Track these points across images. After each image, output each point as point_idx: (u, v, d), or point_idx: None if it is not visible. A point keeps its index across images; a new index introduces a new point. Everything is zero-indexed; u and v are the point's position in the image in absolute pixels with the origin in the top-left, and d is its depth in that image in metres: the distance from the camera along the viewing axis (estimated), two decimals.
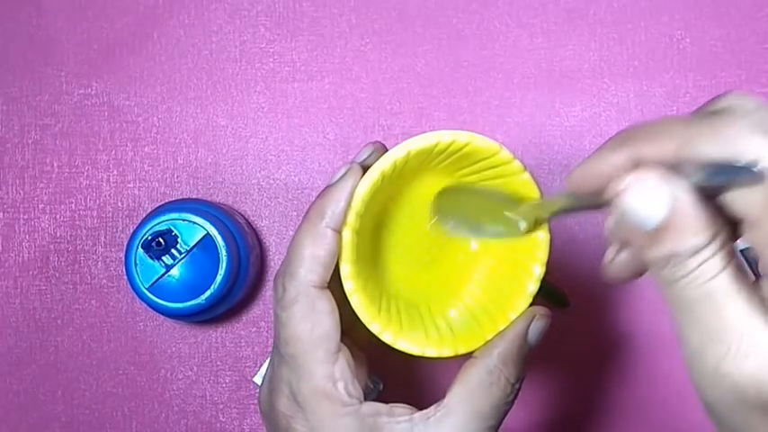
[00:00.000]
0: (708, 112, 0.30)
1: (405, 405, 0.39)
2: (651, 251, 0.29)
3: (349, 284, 0.39)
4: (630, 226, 0.29)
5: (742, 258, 0.32)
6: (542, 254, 0.41)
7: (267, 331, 0.60)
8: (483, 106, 0.59)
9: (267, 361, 0.58)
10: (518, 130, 0.59)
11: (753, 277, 0.30)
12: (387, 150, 0.39)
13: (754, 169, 0.27)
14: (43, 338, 0.59)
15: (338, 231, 0.38)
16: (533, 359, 0.56)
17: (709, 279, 0.28)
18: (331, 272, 0.38)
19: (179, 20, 0.60)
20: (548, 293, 0.57)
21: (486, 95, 0.60)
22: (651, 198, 0.28)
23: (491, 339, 0.41)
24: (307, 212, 0.39)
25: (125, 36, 0.60)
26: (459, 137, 0.39)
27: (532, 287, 0.41)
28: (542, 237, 0.41)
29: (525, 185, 0.40)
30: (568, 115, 0.59)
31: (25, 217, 0.60)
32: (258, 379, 0.58)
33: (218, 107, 0.60)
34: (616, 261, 0.35)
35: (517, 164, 0.40)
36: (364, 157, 0.40)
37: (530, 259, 0.41)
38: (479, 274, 0.44)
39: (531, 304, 0.41)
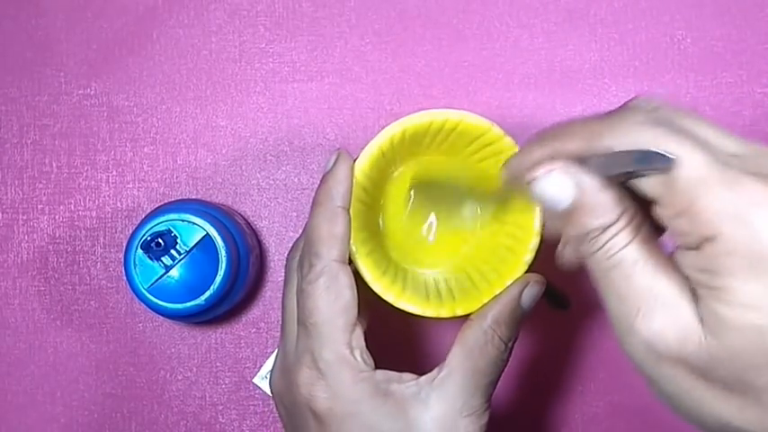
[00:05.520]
0: (613, 111, 0.35)
1: (410, 373, 0.43)
2: (569, 230, 0.35)
3: (353, 248, 0.42)
4: (546, 209, 0.35)
5: None
6: (536, 225, 0.43)
7: (267, 332, 0.59)
8: (483, 106, 0.59)
9: (267, 361, 0.58)
10: (518, 130, 0.59)
11: None
12: (352, 157, 0.43)
13: (662, 157, 0.31)
14: (42, 339, 0.59)
15: (347, 208, 0.42)
16: (533, 359, 0.55)
17: (618, 250, 0.33)
18: (348, 246, 0.42)
19: (179, 20, 0.60)
20: (549, 295, 0.57)
21: (486, 95, 0.59)
22: (557, 185, 0.34)
23: (487, 303, 0.44)
24: (314, 199, 0.42)
25: (125, 36, 0.60)
26: (452, 115, 0.42)
27: (528, 257, 0.44)
28: (535, 209, 0.43)
29: None
30: (569, 115, 0.59)
31: (24, 217, 0.60)
32: (258, 380, 0.58)
33: (217, 107, 0.60)
34: (563, 252, 0.39)
35: (509, 140, 0.43)
36: (331, 165, 0.43)
37: (524, 232, 0.44)
38: (477, 245, 0.47)
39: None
